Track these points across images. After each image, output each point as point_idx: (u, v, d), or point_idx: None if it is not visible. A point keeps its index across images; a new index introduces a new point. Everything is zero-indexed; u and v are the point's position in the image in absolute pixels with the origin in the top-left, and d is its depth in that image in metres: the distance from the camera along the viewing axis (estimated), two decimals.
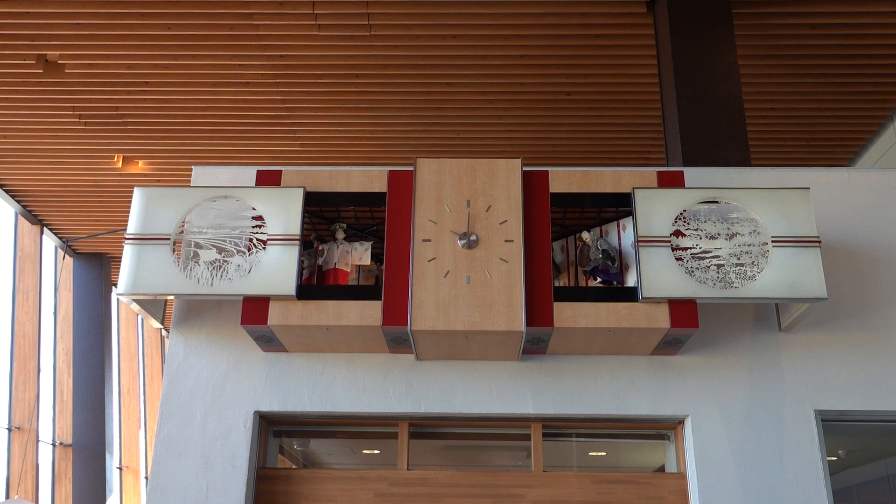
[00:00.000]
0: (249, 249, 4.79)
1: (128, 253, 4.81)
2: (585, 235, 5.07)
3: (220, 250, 4.80)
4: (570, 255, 5.27)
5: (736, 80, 7.62)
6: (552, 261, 4.90)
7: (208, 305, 5.20)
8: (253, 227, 4.84)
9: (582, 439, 5.36)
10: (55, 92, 9.72)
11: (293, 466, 5.58)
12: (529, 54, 9.07)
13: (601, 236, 5.11)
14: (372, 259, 5.34)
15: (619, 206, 5.00)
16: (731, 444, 4.84)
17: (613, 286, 4.89)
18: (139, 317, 17.18)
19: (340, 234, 5.15)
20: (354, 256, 5.10)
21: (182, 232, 4.86)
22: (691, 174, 5.31)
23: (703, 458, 4.81)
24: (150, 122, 10.38)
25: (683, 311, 4.64)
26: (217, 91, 9.69)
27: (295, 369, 5.05)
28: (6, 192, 12.34)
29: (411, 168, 4.99)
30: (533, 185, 4.98)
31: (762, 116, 10.05)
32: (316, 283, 5.05)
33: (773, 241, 4.75)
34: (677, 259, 4.72)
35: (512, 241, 4.76)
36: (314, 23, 8.56)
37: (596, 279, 4.98)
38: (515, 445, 5.48)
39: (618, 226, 5.11)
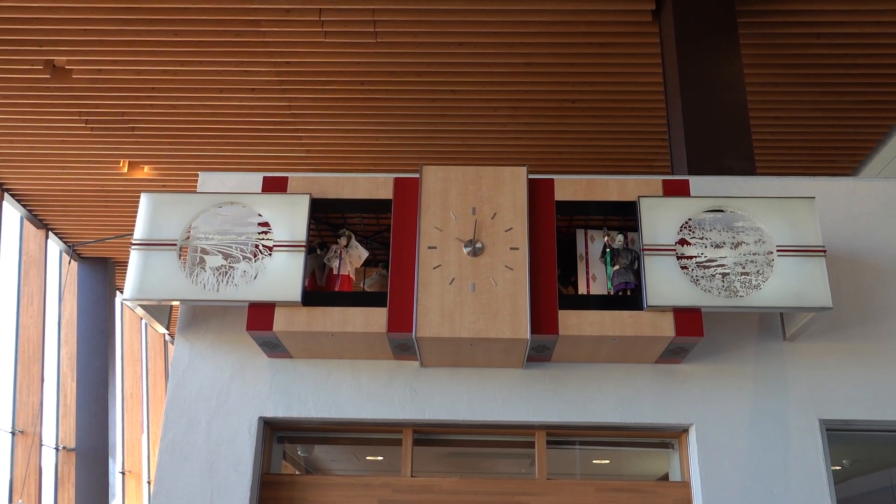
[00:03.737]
0: (255, 255, 4.80)
1: (134, 258, 4.83)
2: (619, 238, 5.03)
3: (226, 256, 4.81)
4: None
5: (741, 88, 7.63)
6: (607, 250, 4.92)
7: (214, 311, 5.21)
8: (259, 233, 4.86)
9: (586, 447, 5.35)
10: (62, 97, 9.78)
11: (297, 473, 5.59)
12: (535, 62, 9.09)
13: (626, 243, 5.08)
14: (381, 265, 5.37)
15: (624, 214, 5.00)
16: (735, 452, 4.83)
17: (619, 295, 4.89)
18: (143, 321, 17.21)
19: (344, 241, 5.17)
20: (354, 259, 5.14)
21: (188, 238, 4.88)
22: (696, 183, 5.32)
23: (707, 466, 4.81)
24: (156, 127, 10.43)
25: (688, 320, 4.64)
26: (223, 97, 9.73)
27: (300, 375, 5.06)
28: (12, 196, 12.39)
29: (417, 175, 5.01)
30: (538, 192, 4.99)
31: (767, 125, 10.05)
32: (324, 283, 5.08)
33: (778, 251, 4.75)
34: (682, 268, 4.72)
35: (517, 248, 4.76)
36: (320, 30, 8.60)
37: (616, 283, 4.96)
38: (519, 453, 5.48)
39: (585, 235, 5.12)
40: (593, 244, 5.13)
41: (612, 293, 4.94)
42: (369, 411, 4.97)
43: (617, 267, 4.93)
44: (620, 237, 5.00)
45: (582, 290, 5.01)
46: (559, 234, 5.04)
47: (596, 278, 5.07)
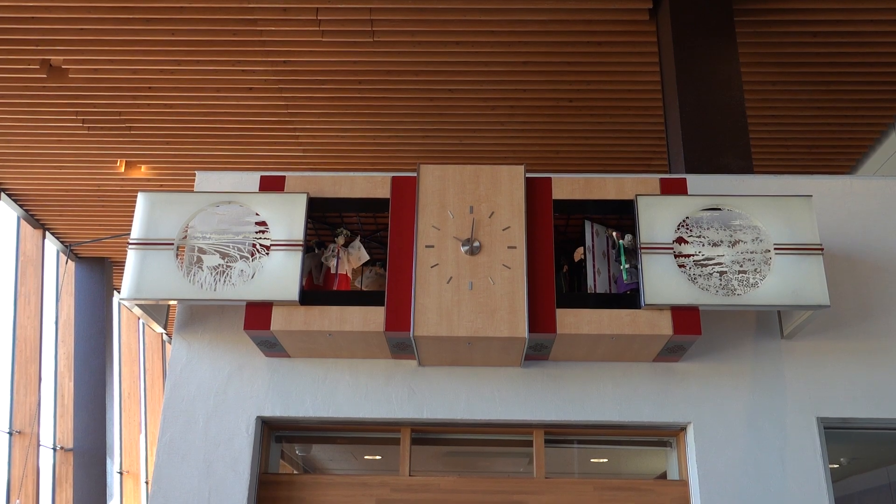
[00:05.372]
0: (253, 255, 4.80)
1: (131, 258, 4.82)
2: (629, 238, 5.02)
3: (223, 255, 4.81)
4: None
5: (738, 87, 7.63)
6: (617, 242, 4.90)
7: (211, 310, 5.21)
8: (256, 232, 4.86)
9: (584, 446, 5.36)
10: (59, 97, 9.75)
11: (295, 472, 5.59)
12: (532, 61, 9.09)
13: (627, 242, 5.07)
14: (377, 264, 5.36)
15: (622, 212, 5.01)
16: (732, 451, 4.84)
17: (626, 294, 4.88)
18: (140, 321, 17.19)
19: (341, 240, 5.16)
20: (353, 259, 5.13)
21: (186, 237, 4.88)
22: (694, 181, 5.32)
23: (704, 465, 4.81)
24: (153, 127, 10.41)
25: (686, 318, 4.64)
26: (220, 97, 9.71)
27: (297, 375, 5.06)
28: (9, 195, 12.37)
29: (414, 174, 5.00)
30: (536, 191, 4.99)
31: (764, 124, 10.06)
32: (321, 282, 5.07)
33: (775, 249, 4.76)
34: (680, 266, 4.73)
35: (515, 247, 4.77)
36: (318, 29, 8.58)
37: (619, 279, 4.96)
38: (517, 452, 5.48)
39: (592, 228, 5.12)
40: (598, 238, 5.13)
41: (620, 291, 4.94)
42: (367, 410, 4.97)
43: (628, 266, 4.93)
44: (629, 236, 5.00)
45: (588, 283, 5.01)
46: (557, 232, 5.05)
47: (601, 273, 5.07)
